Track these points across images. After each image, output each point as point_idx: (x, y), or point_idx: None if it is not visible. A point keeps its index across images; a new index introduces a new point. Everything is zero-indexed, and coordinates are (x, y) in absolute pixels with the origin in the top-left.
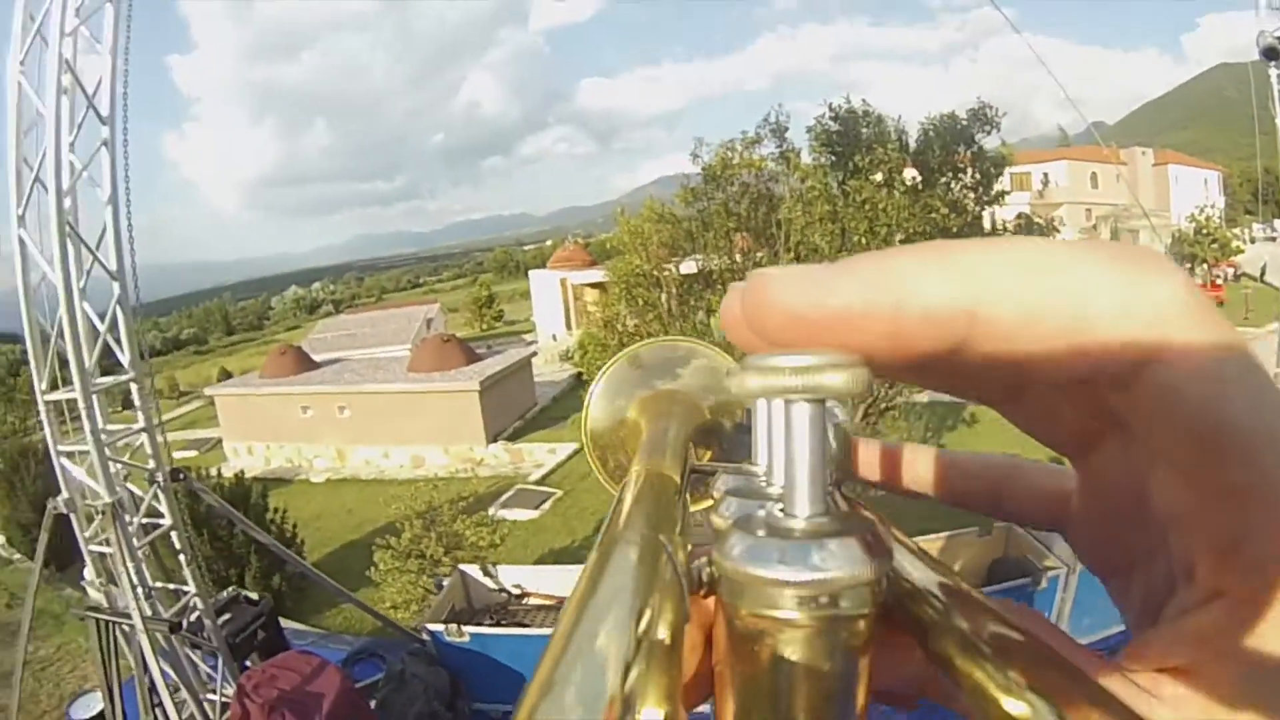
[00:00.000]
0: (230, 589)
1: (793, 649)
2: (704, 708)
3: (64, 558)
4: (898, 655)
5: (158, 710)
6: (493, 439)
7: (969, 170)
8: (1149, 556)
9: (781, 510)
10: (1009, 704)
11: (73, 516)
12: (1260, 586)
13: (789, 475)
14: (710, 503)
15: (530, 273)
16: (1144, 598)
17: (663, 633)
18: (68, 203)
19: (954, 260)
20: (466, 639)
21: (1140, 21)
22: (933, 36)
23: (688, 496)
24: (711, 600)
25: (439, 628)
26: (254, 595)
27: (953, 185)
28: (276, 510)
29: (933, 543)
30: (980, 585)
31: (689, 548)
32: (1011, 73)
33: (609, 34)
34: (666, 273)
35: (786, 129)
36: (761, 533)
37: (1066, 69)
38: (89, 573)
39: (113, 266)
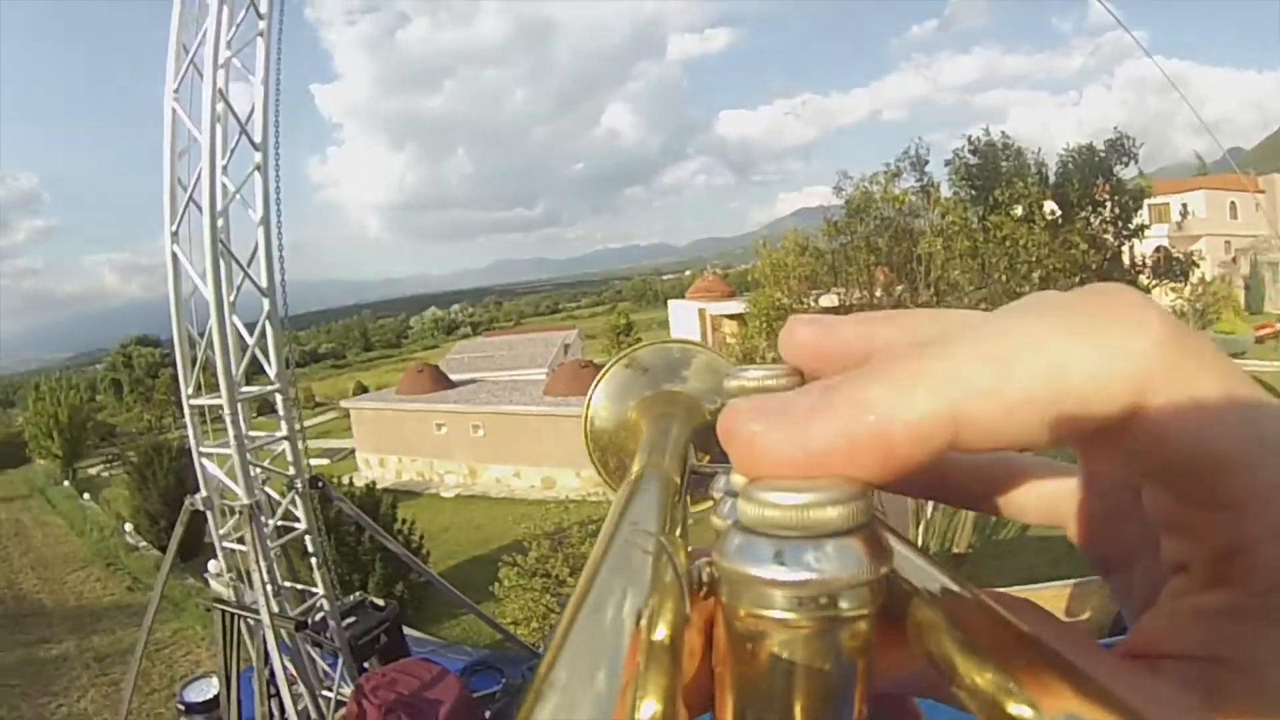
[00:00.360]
0: (357, 593)
1: (792, 649)
2: None
3: (188, 549)
4: (899, 656)
5: (273, 701)
6: None
7: (1108, 203)
8: (1149, 553)
9: None
10: (1011, 706)
11: (209, 514)
12: (1260, 585)
13: None
14: (710, 504)
15: (669, 302)
16: (1145, 593)
17: (662, 633)
18: (220, 222)
19: (924, 372)
20: None
21: (1275, 39)
22: (1065, 63)
23: (688, 497)
24: (712, 601)
25: None
26: (380, 601)
27: (1092, 219)
28: (404, 521)
29: (1060, 590)
30: (1106, 634)
31: (689, 549)
32: (1146, 98)
33: (745, 66)
34: (806, 306)
35: (926, 162)
36: (760, 534)
37: (1201, 92)
38: (214, 566)
39: (263, 283)
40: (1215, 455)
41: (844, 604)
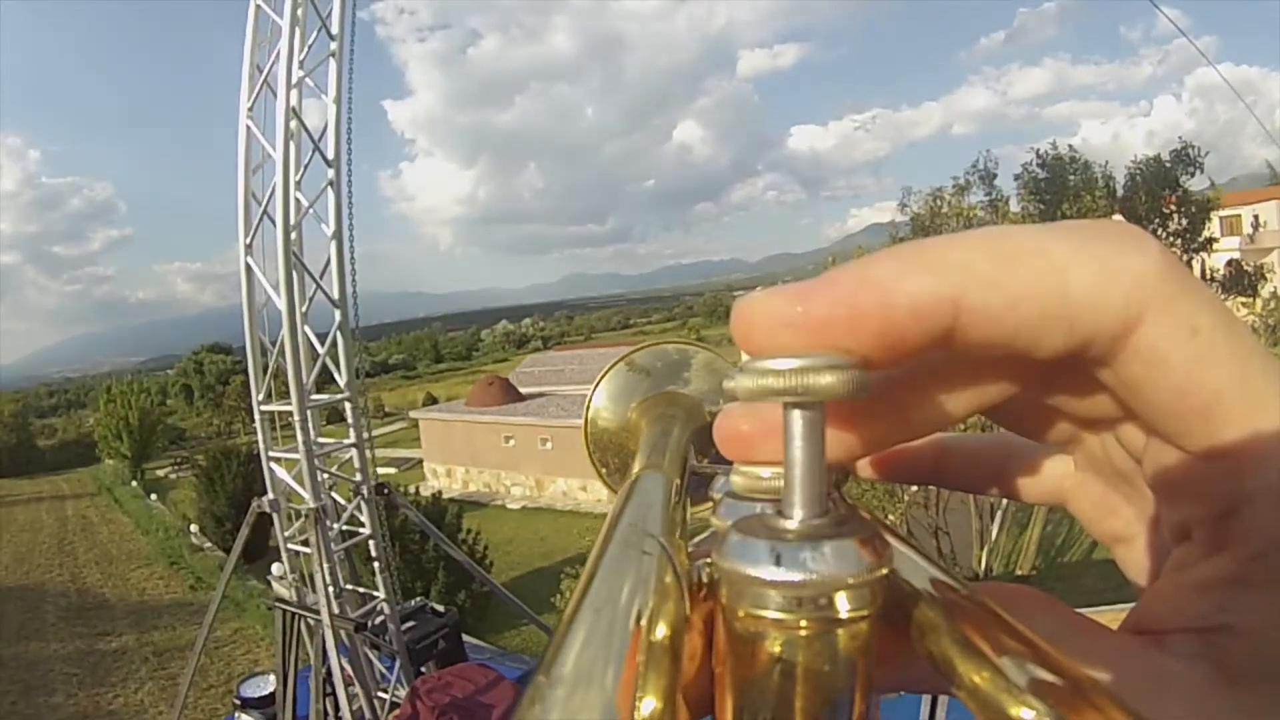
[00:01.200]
0: (418, 599)
1: (791, 650)
2: None
3: (251, 552)
4: (899, 657)
5: (328, 700)
6: None
7: (1176, 215)
8: (1152, 524)
9: (779, 512)
10: (1010, 706)
11: (275, 516)
12: (1260, 548)
13: (787, 478)
14: (710, 504)
15: None
16: (1151, 563)
17: (662, 633)
18: (294, 236)
19: (933, 255)
20: None
21: None
22: (1135, 72)
23: (688, 498)
24: (712, 602)
25: None
26: (439, 607)
27: (1160, 233)
28: (469, 531)
29: (1122, 612)
30: None
31: (689, 549)
32: (1216, 105)
33: (815, 81)
34: None
35: (995, 175)
36: (759, 534)
37: (1272, 99)
38: (278, 568)
39: (335, 295)
40: (1213, 394)
41: (843, 605)
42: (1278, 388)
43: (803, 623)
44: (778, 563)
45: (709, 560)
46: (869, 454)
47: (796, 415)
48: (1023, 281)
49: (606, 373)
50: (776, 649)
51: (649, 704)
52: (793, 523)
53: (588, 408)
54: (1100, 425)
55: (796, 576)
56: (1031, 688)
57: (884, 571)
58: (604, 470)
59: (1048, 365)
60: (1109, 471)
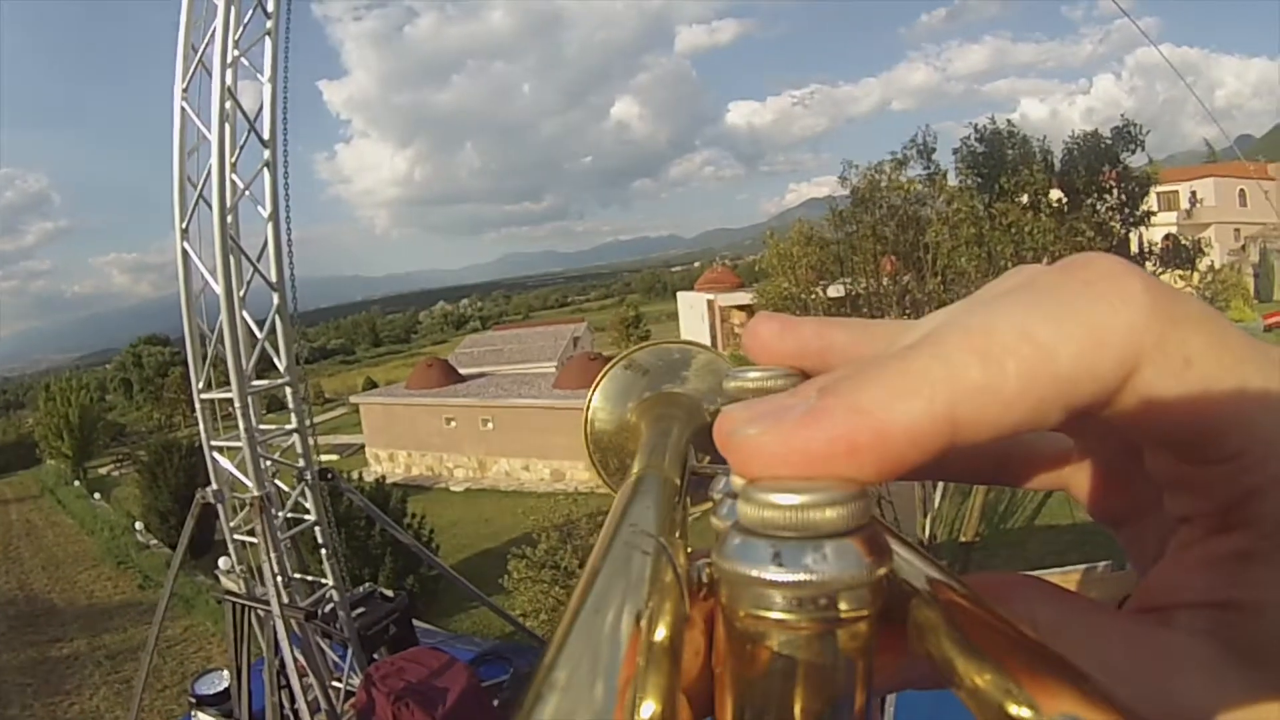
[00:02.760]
0: (367, 585)
1: (791, 650)
2: None
3: (198, 546)
4: (899, 657)
5: (283, 692)
6: None
7: (1114, 190)
8: (1154, 508)
9: None
10: (1010, 706)
11: (220, 507)
12: (1271, 528)
13: None
14: (710, 505)
15: (678, 294)
16: (1154, 547)
17: (662, 634)
18: (230, 219)
19: (917, 372)
20: None
21: None
22: (1075, 51)
23: (687, 499)
24: (712, 602)
25: None
26: (389, 592)
27: (1098, 206)
28: (414, 515)
29: (1066, 576)
30: None
31: (689, 550)
32: (1156, 85)
33: (754, 57)
34: (814, 296)
35: (933, 150)
36: (759, 534)
37: (1212, 80)
38: (224, 563)
39: (273, 278)
40: (1212, 416)
41: (843, 605)
42: (1276, 381)
43: (804, 623)
44: (778, 563)
45: (709, 560)
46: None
47: None
48: (1015, 379)
49: (606, 373)
50: (777, 649)
51: (649, 704)
52: None
53: (587, 408)
54: (1104, 426)
55: (797, 577)
56: (1031, 687)
57: (884, 571)
58: (604, 471)
59: None
60: (1109, 455)
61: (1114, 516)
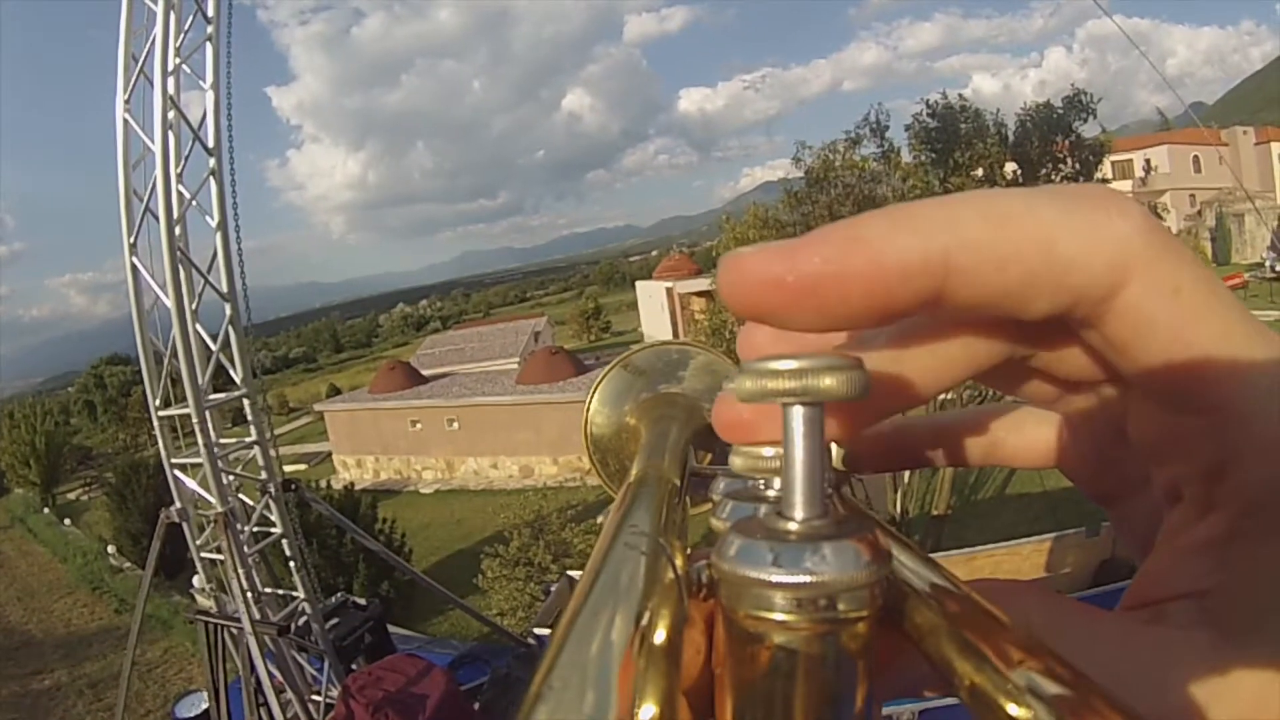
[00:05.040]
0: (339, 595)
1: (791, 651)
2: None
3: (173, 566)
4: (898, 658)
5: (262, 710)
6: None
7: (1069, 160)
8: (1142, 484)
9: (779, 513)
10: (1010, 708)
11: (185, 525)
12: (1250, 503)
13: (786, 478)
14: (710, 505)
15: (637, 284)
16: (1144, 530)
17: (661, 635)
18: (178, 230)
19: (922, 215)
20: None
21: None
22: (1026, 25)
23: (687, 499)
24: (712, 603)
25: (545, 632)
26: (362, 601)
27: (1053, 177)
28: (385, 520)
29: (1040, 545)
30: (1088, 586)
31: (688, 550)
32: (1108, 56)
33: (704, 42)
34: None
35: (886, 128)
36: (758, 535)
37: (1163, 50)
38: (198, 579)
39: (224, 289)
40: (1197, 351)
41: (843, 606)
42: (1260, 344)
43: (804, 624)
44: (777, 564)
45: (709, 561)
46: (865, 427)
47: (796, 413)
48: (1011, 242)
49: (606, 374)
50: (777, 650)
51: (649, 705)
52: (792, 523)
53: (587, 409)
54: (1088, 386)
55: (796, 578)
56: (1030, 688)
57: (884, 573)
58: (604, 472)
59: (1035, 327)
60: (1098, 431)
61: (1104, 493)
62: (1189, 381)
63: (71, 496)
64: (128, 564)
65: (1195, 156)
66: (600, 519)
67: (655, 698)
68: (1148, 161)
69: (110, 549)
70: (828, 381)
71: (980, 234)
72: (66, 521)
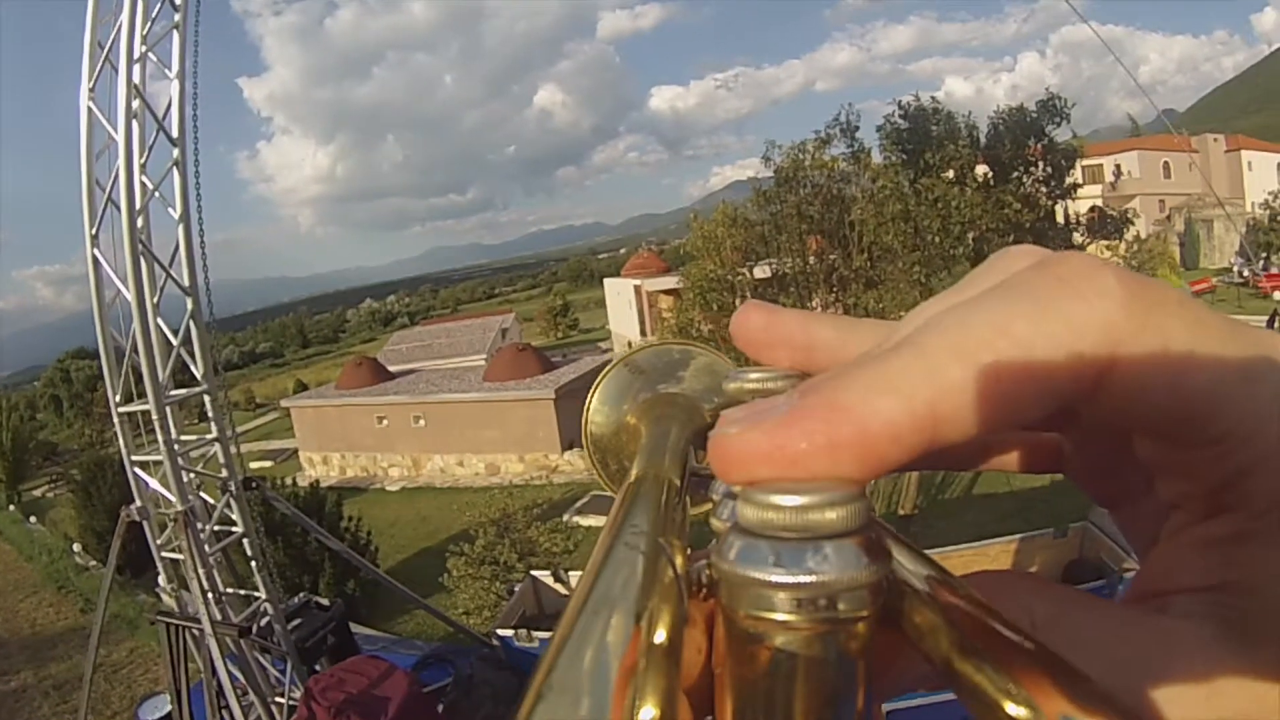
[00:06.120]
0: (301, 595)
1: (791, 651)
2: None
3: (139, 564)
4: (898, 658)
5: (224, 713)
6: (568, 446)
7: (1040, 164)
8: (1147, 488)
9: None
10: (1009, 706)
11: (145, 524)
12: (1259, 508)
13: None
14: (710, 506)
15: (605, 281)
16: (1149, 528)
17: (661, 635)
18: (140, 222)
19: (897, 371)
20: (536, 644)
21: (1208, 5)
22: (1000, 29)
23: (687, 499)
24: (712, 603)
25: (509, 633)
26: (325, 601)
27: (1024, 179)
28: (350, 518)
29: (1008, 545)
30: None
31: (688, 551)
32: (1081, 62)
33: (677, 41)
34: (740, 277)
35: (857, 128)
36: (759, 535)
37: (1136, 57)
38: (163, 579)
39: (185, 283)
40: (1194, 400)
41: (843, 606)
42: (1256, 358)
43: (803, 624)
44: (778, 564)
45: (709, 561)
46: None
47: None
48: (993, 374)
49: (606, 374)
50: (777, 650)
51: (649, 705)
52: None
53: (587, 409)
54: (1090, 418)
55: (796, 578)
56: (1030, 688)
57: (884, 572)
58: (603, 472)
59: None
60: (1101, 440)
61: (1109, 499)
62: (1190, 424)
63: (37, 493)
64: (93, 562)
65: (1165, 162)
66: (566, 517)
67: (655, 698)
68: (1118, 166)
69: (76, 547)
70: (829, 516)
71: (960, 374)
72: (32, 519)
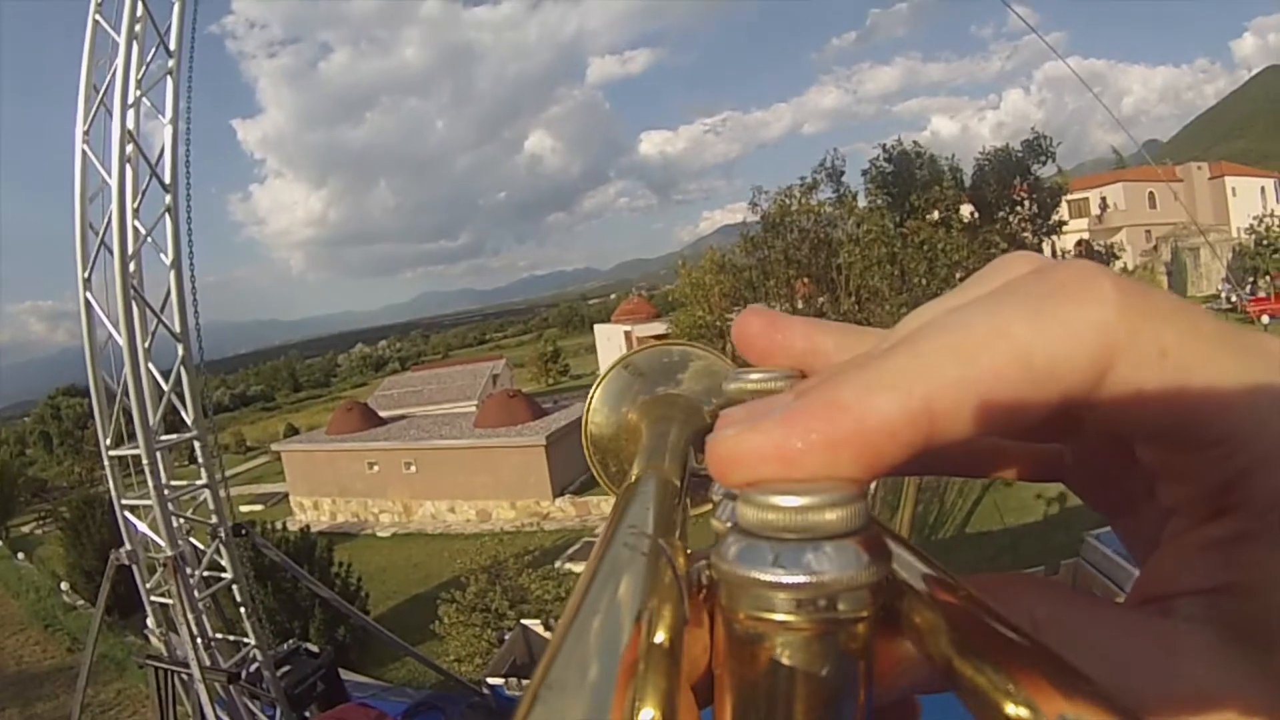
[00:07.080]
0: (291, 641)
1: (790, 652)
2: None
3: (128, 605)
4: (898, 658)
5: None
6: (559, 492)
7: (1026, 202)
8: (1147, 495)
9: None
10: (1009, 706)
11: (134, 568)
12: (1260, 511)
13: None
14: (710, 506)
15: (595, 326)
16: (1150, 536)
17: (661, 636)
18: (132, 266)
19: (894, 369)
20: None
21: (1188, 34)
22: (985, 67)
23: (687, 500)
24: (712, 604)
25: (499, 681)
26: (314, 648)
27: (1010, 219)
28: (341, 564)
29: None
30: None
31: (688, 551)
32: (1064, 96)
33: (666, 85)
34: (729, 323)
35: (843, 172)
36: (759, 535)
37: (1119, 88)
38: (151, 622)
39: (176, 328)
40: (1192, 404)
41: (843, 606)
42: (1256, 361)
43: (804, 624)
44: (778, 564)
45: (708, 561)
46: None
47: None
48: (989, 371)
49: (606, 375)
50: (777, 651)
51: (648, 706)
52: None
53: (587, 410)
54: (1088, 423)
55: (796, 578)
56: (1030, 688)
57: (884, 573)
58: (603, 472)
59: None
60: (1101, 447)
61: (1109, 507)
62: (1190, 427)
63: (25, 530)
64: (81, 601)
65: (1150, 193)
66: (558, 564)
67: (655, 699)
68: (1104, 199)
69: (64, 585)
70: (829, 517)
71: (957, 372)
72: (20, 556)
